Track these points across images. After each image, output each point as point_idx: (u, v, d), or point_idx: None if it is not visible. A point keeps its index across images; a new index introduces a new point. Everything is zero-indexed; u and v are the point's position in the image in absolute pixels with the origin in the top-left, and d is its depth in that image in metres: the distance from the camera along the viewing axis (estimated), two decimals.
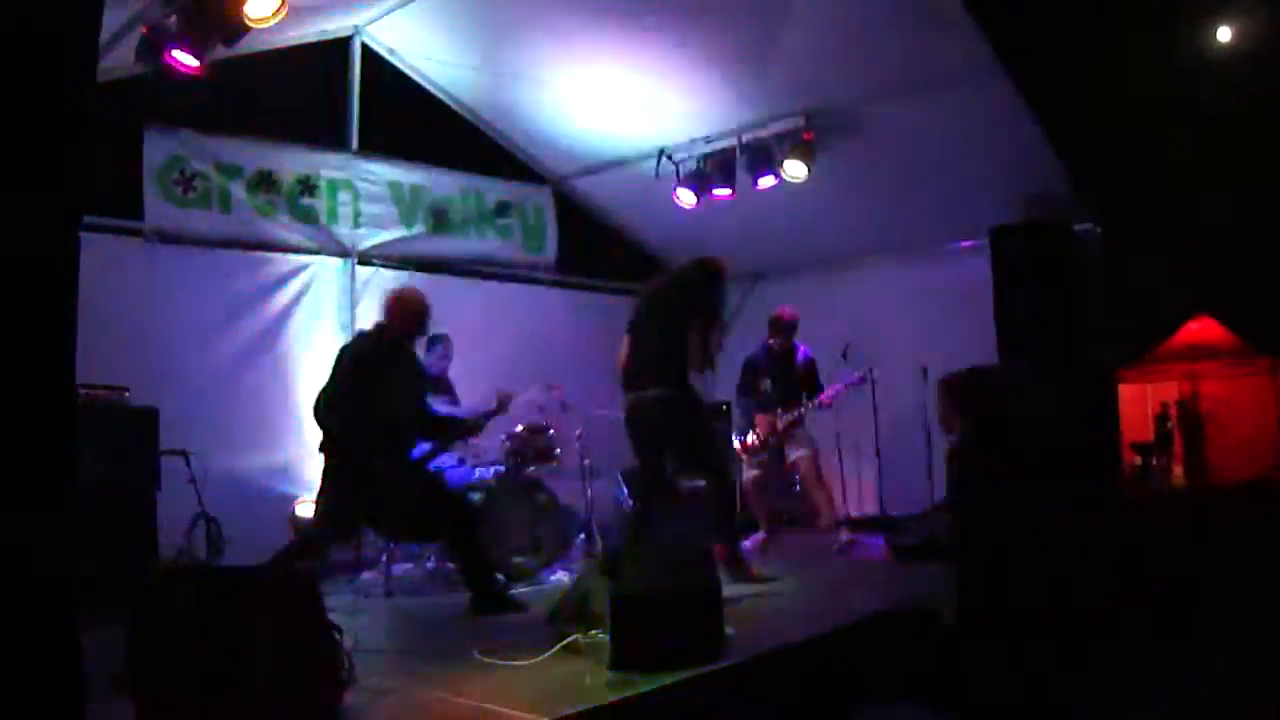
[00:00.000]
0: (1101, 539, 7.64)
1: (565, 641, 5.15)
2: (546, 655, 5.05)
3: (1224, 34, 12.86)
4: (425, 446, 7.11)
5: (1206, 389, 14.16)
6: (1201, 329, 14.68)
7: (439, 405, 8.35)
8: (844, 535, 9.16)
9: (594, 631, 5.17)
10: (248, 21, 6.69)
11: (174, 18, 6.90)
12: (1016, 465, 6.53)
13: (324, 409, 6.62)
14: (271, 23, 6.77)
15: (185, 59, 6.94)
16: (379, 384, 6.55)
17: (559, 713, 4.09)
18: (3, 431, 3.00)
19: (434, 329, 8.55)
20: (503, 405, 7.52)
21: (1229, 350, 14.33)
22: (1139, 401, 13.71)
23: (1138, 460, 12.86)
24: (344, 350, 6.81)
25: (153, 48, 6.94)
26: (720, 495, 7.47)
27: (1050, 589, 6.19)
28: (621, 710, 4.30)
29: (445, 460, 8.34)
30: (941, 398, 6.73)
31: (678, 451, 7.59)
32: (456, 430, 7.60)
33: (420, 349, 8.46)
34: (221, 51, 7.21)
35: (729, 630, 5.20)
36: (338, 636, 4.23)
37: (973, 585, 6.00)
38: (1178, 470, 13.70)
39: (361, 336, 7.00)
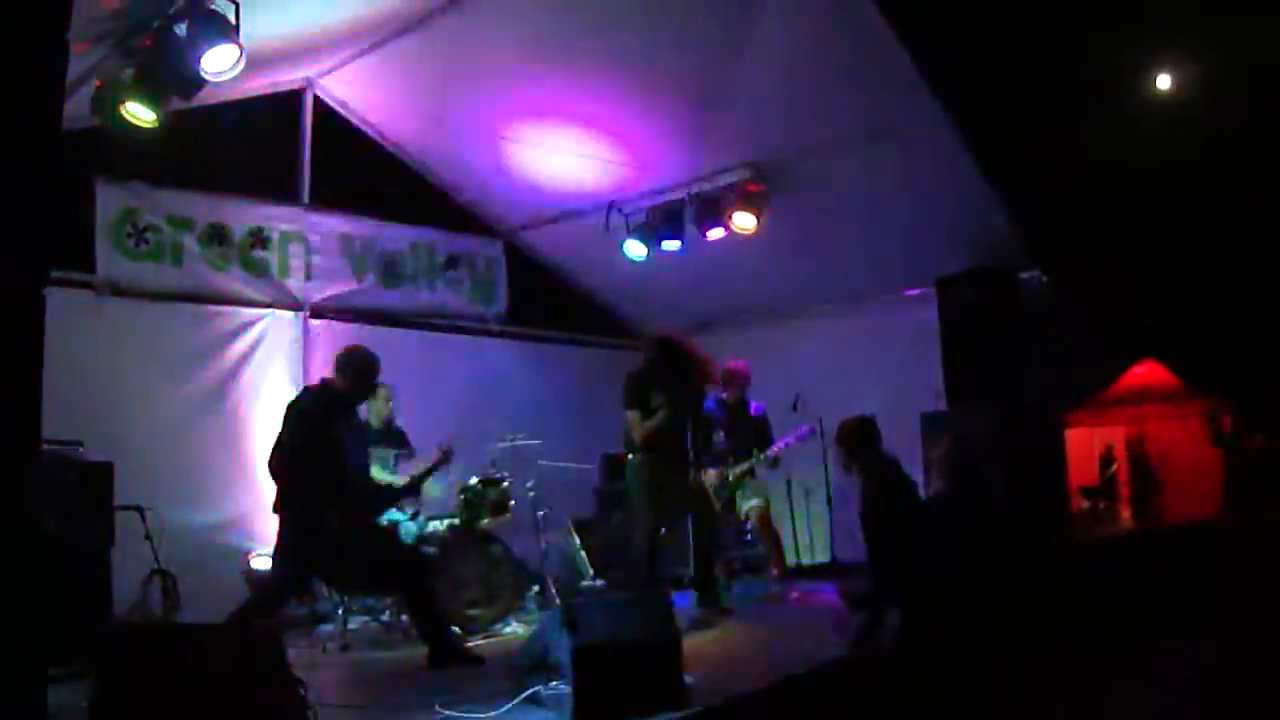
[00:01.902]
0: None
1: (527, 693, 5.16)
2: (509, 707, 5.06)
3: (1163, 81, 13.17)
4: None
5: (1152, 431, 14.40)
6: (1147, 373, 14.94)
7: (386, 460, 8.37)
8: (793, 593, 9.19)
9: (555, 683, 5.18)
10: (205, 76, 6.71)
11: (129, 71, 6.91)
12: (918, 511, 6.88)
13: (277, 464, 6.60)
14: (229, 77, 6.79)
15: (141, 112, 6.95)
16: (328, 441, 6.53)
17: None
18: None
19: (380, 379, 8.57)
20: (445, 459, 7.52)
21: (1173, 393, 14.59)
22: (1086, 445, 13.93)
23: (1085, 504, 13.05)
24: (291, 405, 6.77)
25: (108, 101, 6.94)
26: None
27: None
28: None
29: (398, 513, 8.34)
30: (837, 443, 7.09)
31: None
32: (392, 498, 7.63)
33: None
34: (175, 103, 7.22)
35: (688, 679, 5.22)
36: (302, 692, 4.23)
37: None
38: (1126, 513, 13.90)
39: (309, 392, 6.95)
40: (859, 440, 7.06)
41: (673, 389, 8.23)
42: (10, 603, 3.17)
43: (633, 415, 8.32)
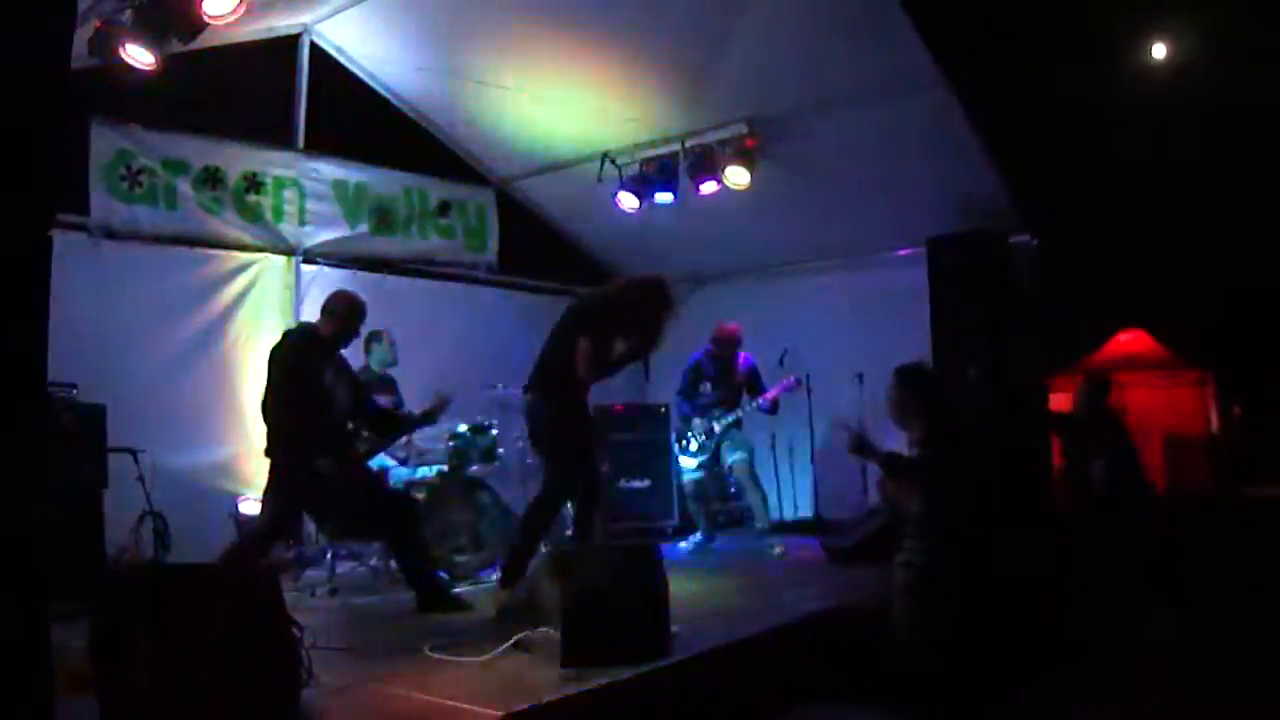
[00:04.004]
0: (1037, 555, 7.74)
1: (517, 638, 5.25)
2: (498, 651, 5.14)
3: (1159, 51, 13.18)
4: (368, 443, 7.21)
5: (1133, 399, 14.48)
6: (1132, 340, 15.01)
7: (390, 403, 8.42)
8: (776, 549, 9.27)
9: (544, 628, 5.26)
10: (206, 19, 6.71)
11: (129, 13, 6.90)
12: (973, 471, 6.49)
13: (264, 407, 6.66)
14: (229, 21, 6.80)
15: (140, 55, 6.95)
16: (311, 383, 6.61)
17: (513, 707, 4.19)
18: None
19: (374, 326, 8.60)
20: (440, 407, 7.58)
21: (1157, 362, 14.66)
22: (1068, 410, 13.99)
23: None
24: (274, 349, 6.81)
25: (107, 42, 6.93)
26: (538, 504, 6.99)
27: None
28: (574, 705, 4.41)
29: (388, 459, 8.41)
30: (900, 386, 6.52)
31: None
32: (403, 427, 7.69)
33: (359, 348, 8.50)
34: (173, 46, 7.22)
35: (675, 629, 5.32)
36: (298, 633, 4.30)
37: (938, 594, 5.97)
38: None
39: (291, 336, 6.99)
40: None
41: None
42: (18, 544, 3.22)
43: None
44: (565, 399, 7.01)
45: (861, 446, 6.20)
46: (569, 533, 9.53)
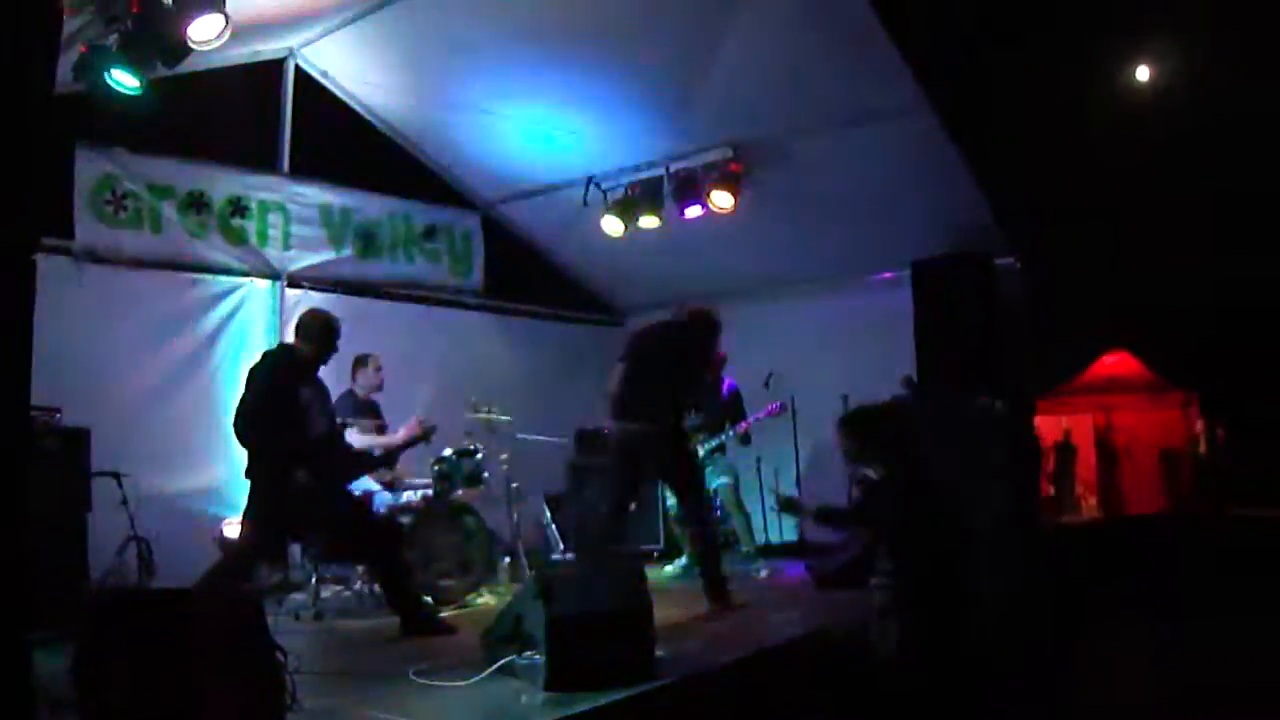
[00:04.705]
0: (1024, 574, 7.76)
1: (501, 662, 5.23)
2: (482, 676, 5.13)
3: (1142, 73, 13.25)
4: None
5: (1120, 421, 14.54)
6: (1117, 362, 15.06)
7: (365, 428, 8.36)
8: (762, 572, 9.28)
9: (529, 653, 5.24)
10: (191, 44, 6.72)
11: (114, 37, 6.91)
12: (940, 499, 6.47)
13: (242, 426, 6.61)
14: (214, 46, 6.81)
15: (125, 79, 6.95)
16: (290, 402, 6.57)
17: None
18: None
19: (361, 350, 8.59)
20: (425, 436, 7.56)
21: (1144, 385, 14.71)
22: (1054, 432, 14.04)
23: (1052, 490, 13.18)
24: (253, 368, 6.78)
25: (92, 67, 6.93)
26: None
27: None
28: None
29: (373, 483, 8.39)
30: (848, 435, 6.42)
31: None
32: (363, 466, 7.69)
33: (344, 371, 8.48)
34: (158, 71, 7.22)
35: (660, 652, 5.31)
36: (281, 658, 4.28)
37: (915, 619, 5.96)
38: (1092, 500, 14.04)
39: (271, 355, 6.96)
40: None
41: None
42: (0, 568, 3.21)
43: None
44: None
45: (791, 506, 6.42)
46: (555, 556, 9.59)
